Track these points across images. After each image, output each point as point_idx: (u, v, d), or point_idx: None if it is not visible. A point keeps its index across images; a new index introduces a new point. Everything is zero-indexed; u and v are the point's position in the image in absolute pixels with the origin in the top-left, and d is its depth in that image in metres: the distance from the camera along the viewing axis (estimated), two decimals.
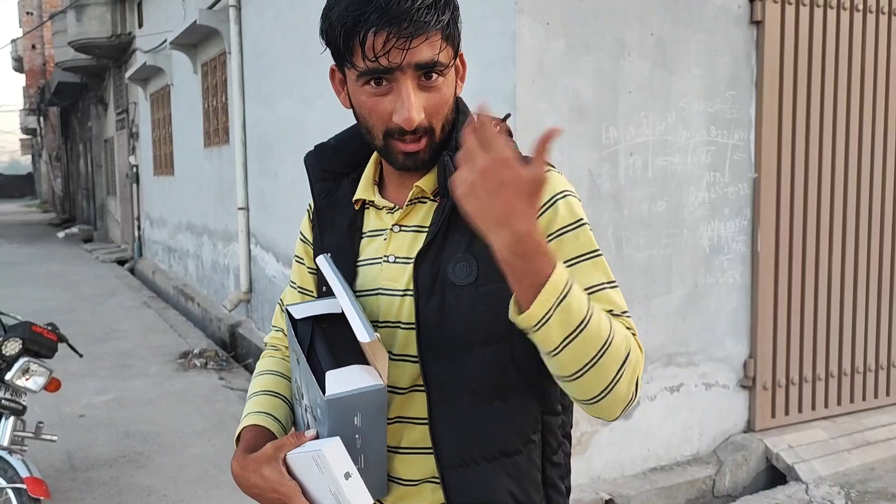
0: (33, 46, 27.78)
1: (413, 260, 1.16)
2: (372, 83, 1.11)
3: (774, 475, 3.94)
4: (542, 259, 0.96)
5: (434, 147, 1.17)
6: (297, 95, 5.70)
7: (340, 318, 1.13)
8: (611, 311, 1.11)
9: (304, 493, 1.11)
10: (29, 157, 52.07)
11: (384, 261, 1.21)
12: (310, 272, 1.34)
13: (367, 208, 1.27)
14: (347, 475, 1.07)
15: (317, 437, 1.14)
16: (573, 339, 0.98)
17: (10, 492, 2.87)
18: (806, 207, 4.05)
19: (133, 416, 5.17)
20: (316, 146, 1.32)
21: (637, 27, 3.49)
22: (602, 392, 1.03)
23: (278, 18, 5.99)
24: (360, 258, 1.24)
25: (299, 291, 1.37)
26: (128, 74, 11.92)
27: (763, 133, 3.87)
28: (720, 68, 3.75)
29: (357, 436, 1.11)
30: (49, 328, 3.27)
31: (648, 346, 3.68)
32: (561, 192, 1.16)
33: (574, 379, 1.02)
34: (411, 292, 1.16)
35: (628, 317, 1.14)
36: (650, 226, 3.63)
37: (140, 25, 11.98)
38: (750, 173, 3.90)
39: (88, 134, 19.32)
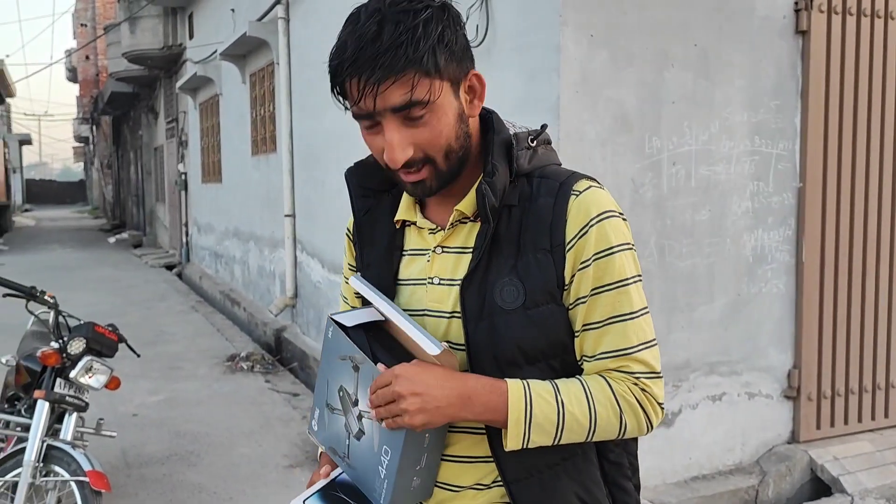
0: (87, 57, 28.63)
1: (459, 283, 1.18)
2: (364, 121, 1.15)
3: (819, 487, 3.91)
4: (493, 401, 1.11)
5: (442, 176, 1.16)
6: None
7: (379, 325, 1.18)
8: (619, 350, 1.15)
9: None
10: (81, 164, 53.56)
11: (429, 282, 1.22)
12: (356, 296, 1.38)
13: (409, 226, 1.28)
14: None
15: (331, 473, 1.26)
16: (561, 432, 1.13)
17: (73, 484, 3.00)
18: (852, 217, 4.02)
19: (183, 416, 5.33)
20: (356, 163, 1.33)
21: (681, 38, 3.53)
22: (617, 435, 1.17)
23: (326, 31, 6.14)
24: (400, 277, 1.26)
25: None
26: (178, 84, 12.26)
27: (808, 143, 3.86)
28: (764, 78, 3.75)
29: (427, 434, 1.15)
30: (110, 328, 3.42)
31: (690, 354, 3.70)
32: (597, 216, 1.16)
33: (588, 440, 1.17)
34: (458, 314, 1.18)
35: (644, 349, 1.16)
36: (693, 235, 3.65)
37: (191, 37, 12.31)
38: (795, 183, 3.90)
39: (139, 142, 19.85)
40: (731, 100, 3.68)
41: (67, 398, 3.19)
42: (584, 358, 1.18)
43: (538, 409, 1.11)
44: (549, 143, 1.27)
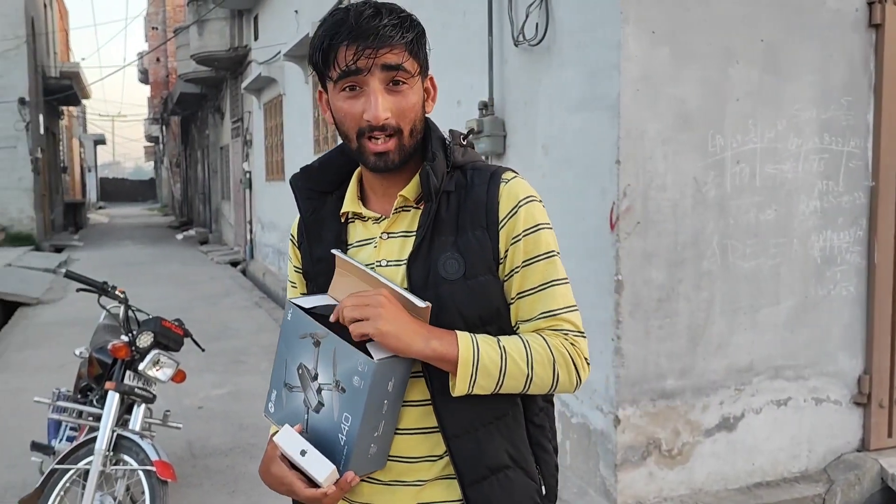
0: (158, 59, 29.56)
1: (405, 262, 1.31)
2: (347, 89, 1.28)
3: (890, 497, 3.76)
4: (447, 339, 1.24)
5: (403, 151, 1.30)
6: None
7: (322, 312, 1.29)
8: (550, 311, 1.32)
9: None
10: (151, 163, 55.31)
11: (377, 265, 1.34)
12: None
13: (353, 222, 1.40)
14: (303, 452, 1.22)
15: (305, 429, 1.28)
16: (503, 377, 1.27)
17: (141, 473, 3.11)
18: None
19: (246, 409, 5.46)
20: (301, 168, 1.46)
21: (746, 34, 3.44)
22: (551, 386, 1.31)
23: None
24: None
25: None
26: (243, 85, 12.56)
27: (882, 140, 3.71)
28: (835, 74, 3.63)
29: (385, 401, 1.25)
30: (176, 323, 3.52)
31: (754, 357, 3.60)
32: (524, 199, 1.33)
33: (524, 392, 1.30)
34: (406, 290, 1.29)
35: (571, 311, 1.33)
36: (757, 235, 3.56)
37: (255, 38, 12.58)
38: (867, 182, 3.76)
39: (206, 141, 20.40)
40: (800, 96, 3.57)
41: (136, 390, 3.30)
42: (519, 323, 1.34)
43: (484, 352, 1.26)
44: (473, 147, 1.44)
